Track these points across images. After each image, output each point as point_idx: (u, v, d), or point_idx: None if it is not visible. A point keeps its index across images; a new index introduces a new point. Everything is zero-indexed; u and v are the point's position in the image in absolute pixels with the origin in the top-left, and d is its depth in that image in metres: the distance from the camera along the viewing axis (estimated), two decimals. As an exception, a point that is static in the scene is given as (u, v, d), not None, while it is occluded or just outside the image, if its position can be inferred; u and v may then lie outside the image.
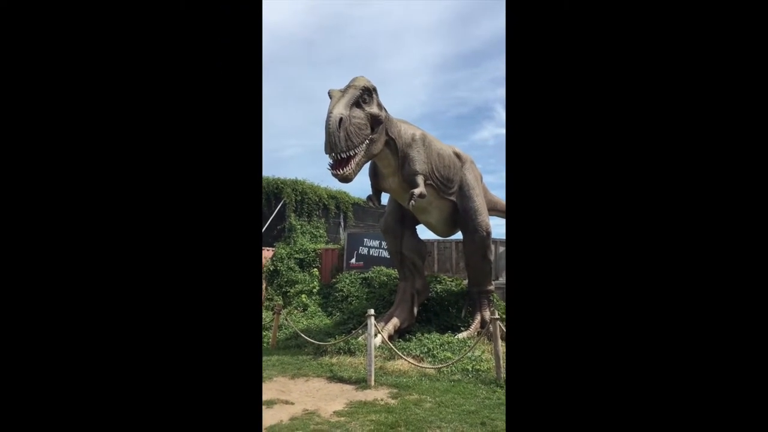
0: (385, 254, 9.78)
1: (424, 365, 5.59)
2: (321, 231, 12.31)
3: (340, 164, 5.23)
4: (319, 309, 9.11)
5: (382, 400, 4.46)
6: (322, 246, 11.06)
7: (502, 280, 9.47)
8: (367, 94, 5.51)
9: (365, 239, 10.36)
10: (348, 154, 5.21)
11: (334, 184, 14.16)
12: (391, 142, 6.12)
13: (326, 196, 12.86)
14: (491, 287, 7.62)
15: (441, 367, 5.44)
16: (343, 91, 5.43)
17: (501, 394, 4.59)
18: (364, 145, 5.42)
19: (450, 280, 8.60)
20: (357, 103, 5.40)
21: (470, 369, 5.41)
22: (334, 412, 4.10)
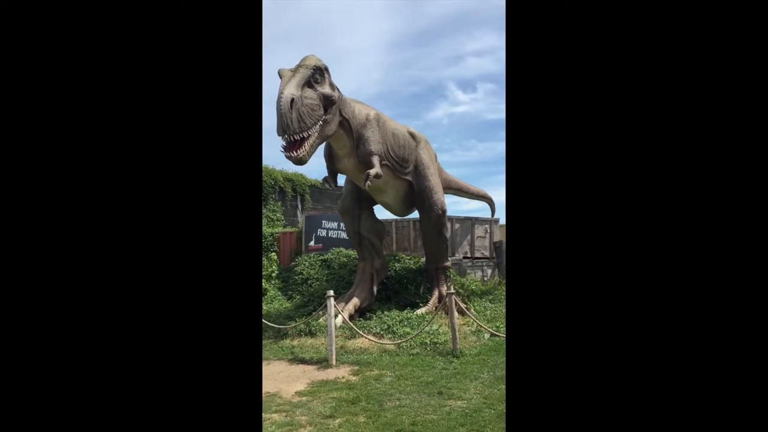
0: (344, 235, 9.79)
1: (384, 341, 5.74)
2: (278, 214, 12.14)
3: (293, 146, 5.14)
4: (279, 293, 9.06)
5: (343, 377, 4.55)
6: (280, 230, 10.93)
7: (458, 256, 9.77)
8: (319, 73, 5.42)
9: (323, 221, 10.33)
10: (301, 135, 5.13)
11: (290, 167, 13.93)
12: (345, 123, 6.08)
13: (282, 179, 12.64)
14: (448, 263, 7.86)
15: (400, 343, 5.60)
16: (294, 71, 5.31)
17: (457, 364, 4.80)
18: (317, 126, 5.35)
19: (408, 258, 8.77)
20: (309, 83, 5.30)
21: (428, 342, 5.60)
22: (296, 392, 4.15)
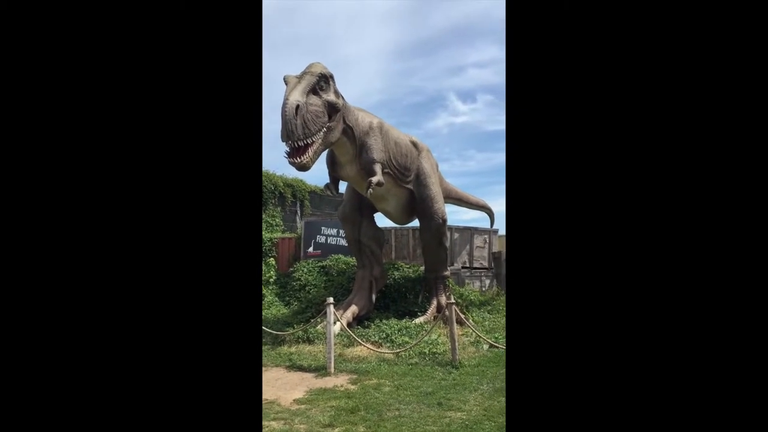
0: (343, 242, 9.77)
1: (383, 350, 5.70)
2: (277, 220, 12.11)
3: (297, 152, 5.15)
4: (276, 299, 9.01)
5: (342, 386, 4.52)
6: (279, 235, 10.90)
7: (457, 265, 9.76)
8: (324, 81, 5.44)
9: (323, 227, 10.31)
10: (305, 142, 5.14)
11: (290, 172, 13.94)
12: (348, 130, 6.09)
13: (282, 184, 12.63)
14: (447, 273, 7.84)
15: (399, 352, 5.57)
16: (300, 78, 5.33)
17: (456, 375, 4.78)
18: (321, 133, 5.36)
19: (407, 266, 8.75)
20: (314, 90, 5.32)
21: (427, 352, 5.58)
22: (294, 400, 4.11)
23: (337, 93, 5.71)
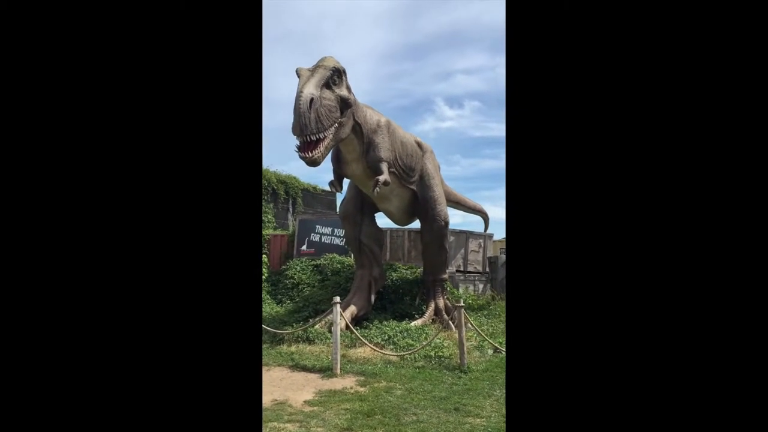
0: (338, 241, 9.64)
1: (387, 352, 5.60)
2: (269, 216, 11.88)
3: (308, 147, 5.01)
4: (268, 296, 8.80)
5: (351, 388, 4.40)
6: (270, 232, 10.67)
7: (452, 269, 9.72)
8: (337, 75, 5.32)
9: (317, 226, 10.14)
10: (318, 136, 5.00)
11: (284, 168, 13.71)
12: (357, 127, 5.98)
13: (275, 181, 12.40)
14: (445, 276, 7.79)
15: (404, 354, 5.48)
16: (312, 71, 5.20)
17: (466, 379, 4.71)
18: (333, 128, 5.24)
19: (405, 268, 8.67)
20: (327, 84, 5.19)
21: (433, 356, 5.50)
22: (304, 401, 3.97)
23: (348, 88, 5.60)
